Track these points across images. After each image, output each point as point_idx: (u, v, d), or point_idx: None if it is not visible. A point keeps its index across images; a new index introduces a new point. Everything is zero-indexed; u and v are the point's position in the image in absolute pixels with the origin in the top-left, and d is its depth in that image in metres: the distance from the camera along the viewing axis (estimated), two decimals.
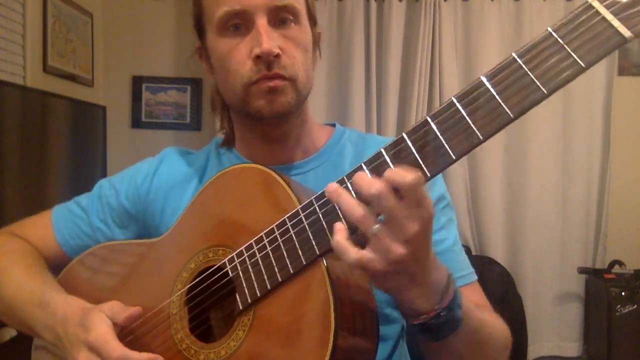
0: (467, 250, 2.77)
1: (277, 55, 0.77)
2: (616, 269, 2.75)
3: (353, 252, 0.55)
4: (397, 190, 0.53)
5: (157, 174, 0.94)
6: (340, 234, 0.56)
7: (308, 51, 0.84)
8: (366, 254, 0.55)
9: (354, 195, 0.57)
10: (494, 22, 2.90)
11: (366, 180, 0.55)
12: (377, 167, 0.58)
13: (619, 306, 2.55)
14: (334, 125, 0.96)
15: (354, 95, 2.89)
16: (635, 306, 2.53)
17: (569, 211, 2.89)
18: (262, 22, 0.77)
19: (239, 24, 0.79)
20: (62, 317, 0.76)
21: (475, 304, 0.72)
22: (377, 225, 0.54)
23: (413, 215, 0.53)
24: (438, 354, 0.68)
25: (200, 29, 0.87)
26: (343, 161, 0.89)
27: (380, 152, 0.58)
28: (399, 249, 0.54)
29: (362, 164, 0.59)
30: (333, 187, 0.58)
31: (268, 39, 0.76)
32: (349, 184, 0.59)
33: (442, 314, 0.59)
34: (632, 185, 2.95)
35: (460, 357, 0.68)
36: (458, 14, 2.93)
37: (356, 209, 0.55)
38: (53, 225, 0.95)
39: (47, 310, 0.79)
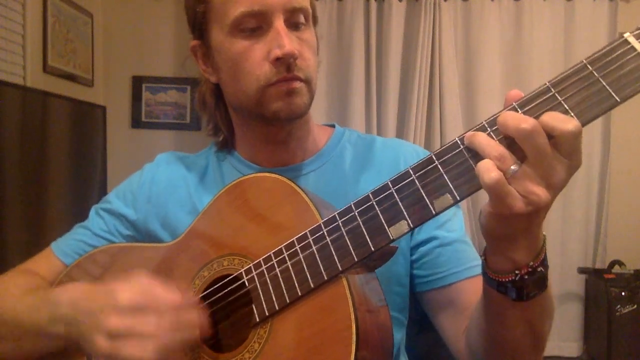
0: None
1: (295, 58, 0.76)
2: (616, 269, 2.76)
3: (496, 172, 0.51)
4: (549, 136, 0.50)
5: (156, 180, 0.92)
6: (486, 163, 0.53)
7: (316, 54, 0.84)
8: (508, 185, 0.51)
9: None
10: (494, 22, 2.91)
11: (517, 117, 0.51)
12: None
13: (619, 306, 2.56)
14: (333, 126, 0.95)
15: (354, 95, 2.89)
16: (635, 306, 2.54)
17: (569, 211, 2.89)
18: (280, 23, 0.76)
19: (256, 25, 0.77)
20: (68, 300, 0.68)
21: None
22: (514, 166, 0.51)
23: (563, 161, 0.51)
24: (510, 324, 0.63)
25: (201, 27, 0.84)
26: (343, 162, 0.89)
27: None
28: (542, 193, 0.51)
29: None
30: (469, 133, 0.55)
31: (289, 40, 0.75)
32: (489, 129, 0.54)
33: (538, 269, 0.57)
34: (632, 185, 2.97)
35: (531, 327, 0.63)
36: (458, 14, 2.94)
37: (496, 146, 0.52)
38: (54, 251, 0.90)
39: (49, 302, 0.70)
